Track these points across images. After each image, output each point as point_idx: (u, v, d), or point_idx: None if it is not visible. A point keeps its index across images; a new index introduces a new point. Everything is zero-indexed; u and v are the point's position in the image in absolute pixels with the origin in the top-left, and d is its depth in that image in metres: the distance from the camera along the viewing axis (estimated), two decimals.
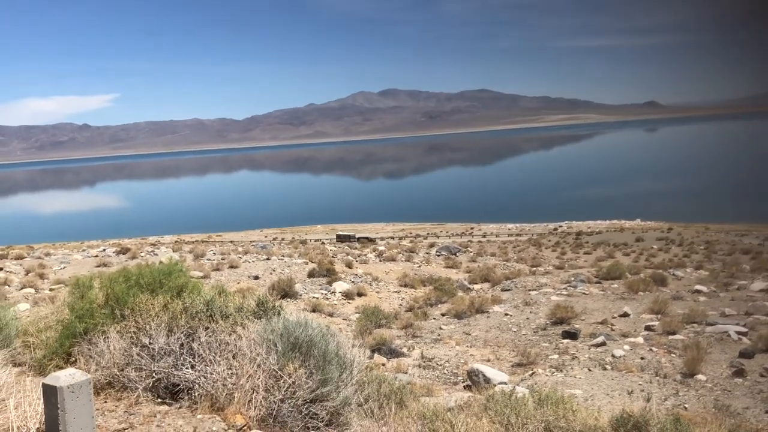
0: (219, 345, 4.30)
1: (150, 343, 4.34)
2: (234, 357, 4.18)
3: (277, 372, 4.08)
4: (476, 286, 21.92)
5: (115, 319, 4.66)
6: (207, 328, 4.46)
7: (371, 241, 59.92)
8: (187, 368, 4.17)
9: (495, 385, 8.23)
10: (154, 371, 4.23)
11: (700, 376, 8.47)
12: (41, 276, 21.69)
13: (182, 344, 4.36)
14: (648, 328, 11.80)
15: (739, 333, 10.84)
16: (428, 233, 75.47)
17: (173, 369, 4.20)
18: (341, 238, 65.01)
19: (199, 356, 4.24)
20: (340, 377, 4.32)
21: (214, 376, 4.04)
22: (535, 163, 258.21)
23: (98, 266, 24.52)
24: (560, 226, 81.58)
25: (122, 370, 4.28)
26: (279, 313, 4.84)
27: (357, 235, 68.48)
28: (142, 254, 29.47)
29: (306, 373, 4.14)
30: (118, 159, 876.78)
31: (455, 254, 37.89)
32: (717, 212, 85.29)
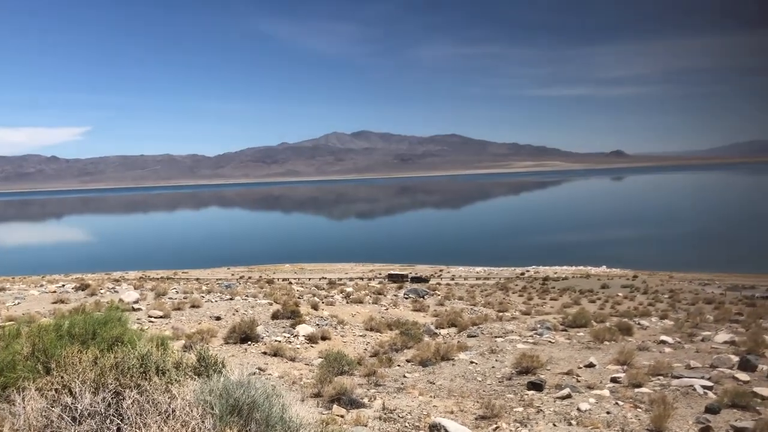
0: (150, 405, 3.92)
1: (73, 403, 3.94)
2: (165, 420, 3.80)
3: None
4: (443, 331, 21.58)
5: (39, 373, 4.25)
6: (138, 386, 4.08)
7: (425, 281, 58.50)
8: None
9: None
10: None
11: None
12: None
13: (109, 404, 3.97)
14: (614, 380, 11.60)
15: (704, 387, 10.68)
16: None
17: None
18: (393, 278, 62.33)
19: (127, 419, 3.85)
20: None
21: None
22: (503, 208, 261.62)
23: (55, 302, 23.65)
24: (527, 271, 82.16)
25: None
26: (220, 371, 4.48)
27: (410, 275, 66.02)
28: (102, 291, 28.54)
29: None
30: (86, 192, 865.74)
31: (423, 297, 37.57)
32: (681, 261, 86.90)
